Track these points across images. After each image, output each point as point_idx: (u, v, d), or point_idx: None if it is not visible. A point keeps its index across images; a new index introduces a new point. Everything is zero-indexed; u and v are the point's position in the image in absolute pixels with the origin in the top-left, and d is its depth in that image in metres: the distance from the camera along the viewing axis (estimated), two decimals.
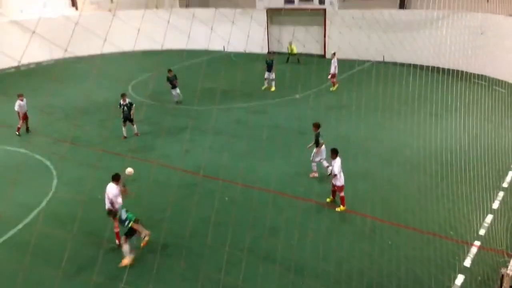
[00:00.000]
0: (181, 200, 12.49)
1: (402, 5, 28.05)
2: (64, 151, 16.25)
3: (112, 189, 10.42)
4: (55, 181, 13.88)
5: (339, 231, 10.90)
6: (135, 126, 17.23)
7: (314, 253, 9.99)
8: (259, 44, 29.99)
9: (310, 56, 29.57)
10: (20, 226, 11.57)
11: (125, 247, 9.86)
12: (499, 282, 8.26)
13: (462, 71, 23.78)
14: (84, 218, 11.16)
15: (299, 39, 29.15)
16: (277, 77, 23.04)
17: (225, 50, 32.52)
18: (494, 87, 21.63)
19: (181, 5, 35.25)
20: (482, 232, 10.56)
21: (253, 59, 24.22)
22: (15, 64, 28.56)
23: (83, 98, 22.25)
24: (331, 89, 22.53)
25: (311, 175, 13.64)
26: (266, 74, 22.68)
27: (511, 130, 16.66)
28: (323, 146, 13.36)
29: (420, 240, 10.40)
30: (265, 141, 16.15)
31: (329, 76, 22.51)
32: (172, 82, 20.51)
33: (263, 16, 31.45)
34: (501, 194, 12.28)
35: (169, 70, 20.62)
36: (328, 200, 12.21)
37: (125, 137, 17.06)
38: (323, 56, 29.95)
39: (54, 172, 14.45)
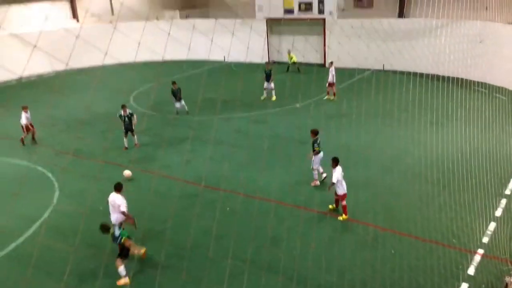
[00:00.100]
0: (182, 210, 12.46)
1: (401, 14, 28.22)
2: (66, 163, 16.26)
3: (117, 199, 10.43)
4: (57, 193, 13.87)
5: (341, 240, 10.85)
6: (135, 137, 17.26)
7: (316, 263, 9.95)
8: (259, 54, 30.13)
9: (310, 65, 29.69)
10: (22, 238, 11.56)
11: (121, 269, 9.71)
12: None
13: (462, 79, 23.85)
14: (85, 230, 11.11)
15: (299, 49, 29.30)
16: (277, 86, 23.11)
17: (226, 60, 32.67)
18: (494, 94, 21.67)
19: (181, 17, 35.49)
20: (485, 240, 10.51)
21: (253, 69, 24.34)
22: (16, 76, 28.77)
23: (84, 109, 22.31)
24: (324, 98, 22.54)
25: (312, 184, 13.63)
26: (265, 84, 22.77)
27: None
28: (320, 154, 13.36)
29: (423, 248, 10.34)
30: (265, 150, 16.16)
31: (327, 85, 22.55)
32: (176, 95, 20.52)
33: (263, 26, 31.65)
34: (503, 201, 12.24)
35: (173, 83, 20.67)
36: (330, 207, 12.17)
37: (126, 148, 17.08)
38: (323, 65, 30.06)
39: (56, 184, 14.46)
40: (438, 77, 24.14)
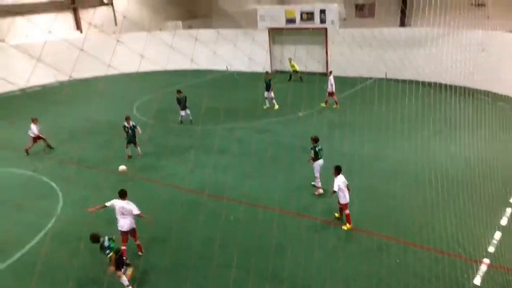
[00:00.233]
0: (185, 219, 12.46)
1: (402, 23, 28.35)
2: (69, 172, 16.31)
3: (127, 204, 10.49)
4: (61, 203, 13.89)
5: (345, 249, 10.81)
6: (138, 148, 17.27)
7: (320, 272, 9.90)
8: (261, 64, 30.30)
9: (312, 74, 29.77)
10: (26, 247, 11.56)
11: (122, 279, 9.64)
12: None
13: (464, 87, 23.87)
14: (89, 239, 11.11)
15: (301, 58, 29.41)
16: (279, 95, 23.18)
17: (228, 70, 32.82)
18: (498, 102, 21.65)
19: (184, 27, 35.73)
20: (491, 249, 10.43)
21: (256, 79, 24.45)
22: (20, 87, 28.95)
23: (88, 119, 22.42)
24: (321, 105, 22.55)
25: (316, 193, 13.59)
26: (266, 94, 22.84)
27: None
28: (320, 161, 13.35)
29: (428, 258, 10.28)
30: (268, 159, 16.17)
31: (327, 94, 22.60)
32: (181, 103, 20.58)
33: (265, 36, 31.83)
34: (509, 210, 12.17)
35: (179, 91, 20.76)
36: (336, 215, 12.12)
37: (129, 157, 17.09)
38: (325, 74, 30.10)
39: (60, 194, 14.47)
40: (440, 85, 24.16)
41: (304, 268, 10.08)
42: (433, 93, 23.33)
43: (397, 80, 26.51)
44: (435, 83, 24.66)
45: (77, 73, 30.96)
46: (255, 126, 20.36)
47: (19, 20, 30.10)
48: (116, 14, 35.58)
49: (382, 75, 27.48)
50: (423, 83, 25.05)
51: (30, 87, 29.73)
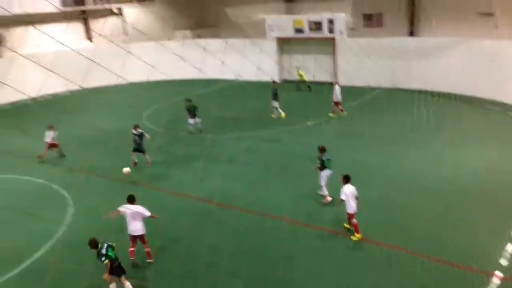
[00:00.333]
0: (194, 228, 12.50)
1: (411, 33, 28.37)
2: (80, 180, 16.42)
3: (138, 208, 10.69)
4: (71, 210, 14.00)
5: (354, 260, 10.75)
6: (147, 156, 17.33)
7: (329, 282, 9.87)
8: (270, 73, 30.41)
9: (320, 84, 29.82)
10: (36, 255, 11.65)
11: (111, 286, 9.60)
12: None
13: (473, 97, 23.81)
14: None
15: (309, 68, 29.51)
16: (288, 105, 23.28)
17: (237, 79, 32.97)
18: (508, 112, 21.52)
19: (192, 37, 36.03)
20: (503, 262, 10.29)
21: (264, 88, 24.55)
22: (32, 96, 29.27)
23: (98, 128, 22.57)
24: (329, 114, 22.58)
25: (324, 201, 13.57)
26: (273, 103, 22.92)
27: None
28: (325, 171, 13.34)
29: (438, 270, 10.17)
30: (277, 168, 16.20)
31: (333, 104, 22.63)
32: (190, 111, 20.68)
33: (274, 46, 31.98)
34: None
35: (188, 100, 20.88)
36: (345, 225, 12.04)
37: (135, 163, 17.08)
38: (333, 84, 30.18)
39: (71, 202, 14.60)
40: (449, 95, 24.12)
41: (312, 279, 10.05)
42: (442, 103, 23.29)
43: (405, 90, 26.48)
44: (444, 93, 24.59)
45: (87, 83, 31.15)
46: (264, 135, 20.42)
47: (30, 30, 30.55)
48: (126, 24, 35.99)
49: (390, 85, 27.47)
50: (432, 92, 24.99)
51: (41, 96, 30.01)
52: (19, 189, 15.99)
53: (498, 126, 19.40)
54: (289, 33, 30.69)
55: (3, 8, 23.72)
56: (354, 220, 11.61)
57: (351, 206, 11.53)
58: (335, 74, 29.83)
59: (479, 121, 20.22)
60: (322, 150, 13.40)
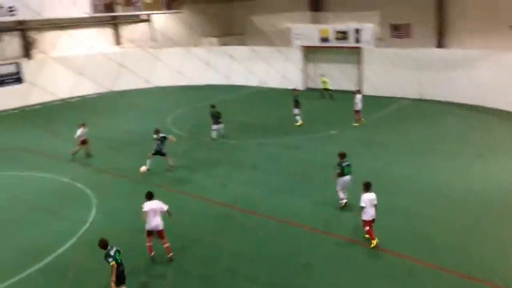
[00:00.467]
0: (215, 232, 12.52)
1: (439, 44, 27.95)
2: (105, 181, 16.71)
3: (157, 204, 10.97)
4: (94, 210, 14.21)
5: (374, 271, 10.54)
6: (169, 160, 17.30)
7: None
8: (294, 81, 30.45)
9: (345, 93, 29.65)
10: (57, 252, 11.83)
11: None
12: None
13: (502, 110, 23.24)
14: (120, 247, 11.30)
15: (334, 76, 29.41)
16: (311, 113, 23.24)
17: (262, 86, 33.11)
18: None
19: (219, 44, 36.39)
20: None
21: (289, 95, 24.57)
22: (61, 97, 30.11)
23: (124, 130, 23.03)
24: (354, 124, 22.38)
25: (339, 206, 13.46)
26: (295, 111, 22.84)
27: None
28: (345, 177, 13.22)
29: (463, 285, 9.91)
30: (299, 176, 16.11)
31: (354, 112, 22.45)
32: (215, 117, 20.83)
33: (299, 54, 32.02)
34: None
35: (212, 106, 21.05)
36: (365, 236, 11.82)
37: (147, 169, 16.88)
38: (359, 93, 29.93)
39: (94, 201, 14.82)
40: (477, 107, 23.61)
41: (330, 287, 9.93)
42: (470, 115, 22.82)
43: (432, 101, 26.06)
44: (471, 105, 24.10)
45: (115, 86, 31.94)
46: (287, 142, 20.36)
47: (62, 34, 31.45)
48: (154, 30, 36.63)
49: (417, 96, 27.09)
50: (459, 104, 24.53)
51: (70, 98, 30.82)
52: (45, 187, 16.32)
53: None
54: (315, 41, 30.67)
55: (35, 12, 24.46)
56: (367, 227, 11.45)
57: (369, 214, 11.37)
58: (360, 83, 29.61)
59: (508, 135, 19.70)
60: (342, 156, 13.31)
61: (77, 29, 32.41)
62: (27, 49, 30.67)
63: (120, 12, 31.60)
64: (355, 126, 22.20)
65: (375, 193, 11.48)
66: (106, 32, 34.93)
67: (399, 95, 27.28)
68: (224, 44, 36.29)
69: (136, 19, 36.16)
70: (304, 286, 10.02)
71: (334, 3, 31.74)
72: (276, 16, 35.06)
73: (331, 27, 29.94)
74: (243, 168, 17.26)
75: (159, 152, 17.10)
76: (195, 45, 35.75)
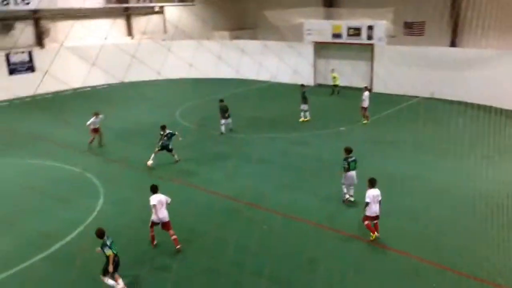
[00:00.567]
0: (221, 225, 12.57)
1: (453, 43, 27.61)
2: (113, 171, 16.83)
3: (162, 197, 11.14)
4: (101, 200, 14.33)
5: (379, 269, 10.51)
6: (175, 155, 17.31)
7: None
8: (305, 76, 30.28)
9: (357, 90, 29.46)
10: (64, 241, 11.97)
11: (108, 281, 9.70)
12: None
13: None
14: (126, 237, 11.42)
15: (345, 73, 29.24)
16: (321, 109, 23.16)
17: (272, 80, 33.03)
18: None
19: (231, 38, 36.35)
20: None
21: (298, 91, 24.48)
22: (73, 87, 30.32)
23: (134, 121, 23.15)
24: (363, 122, 22.23)
25: (344, 201, 13.55)
26: (303, 106, 22.74)
27: None
28: (349, 173, 13.25)
29: (468, 285, 9.85)
30: (306, 172, 16.08)
31: (361, 109, 22.30)
32: (223, 111, 20.82)
33: (310, 50, 31.87)
34: None
35: (221, 100, 21.04)
36: (372, 236, 11.75)
37: (151, 165, 16.91)
38: (370, 90, 29.73)
39: (102, 191, 14.95)
40: (489, 108, 23.30)
41: (335, 285, 9.91)
42: (482, 116, 22.52)
43: (444, 100, 25.77)
44: (484, 105, 23.79)
45: (126, 77, 31.98)
46: (295, 138, 20.32)
47: (74, 24, 31.60)
48: (166, 22, 36.69)
49: (428, 94, 26.81)
50: (472, 105, 24.21)
51: (81, 88, 31.01)
52: (54, 175, 16.49)
53: None
54: (327, 37, 30.48)
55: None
56: (366, 222, 11.51)
57: (372, 210, 11.38)
58: (371, 80, 29.41)
59: None
60: (348, 151, 13.31)
61: (90, 19, 32.58)
62: (40, 38, 30.94)
63: (133, 3, 31.75)
64: (364, 124, 22.07)
65: (381, 191, 11.44)
66: (119, 23, 35.08)
67: (410, 93, 27.03)
68: (236, 38, 36.24)
69: (149, 11, 36.26)
70: (309, 281, 10.03)
71: None
72: (288, 11, 34.92)
73: (344, 23, 29.72)
74: (250, 162, 17.25)
75: (165, 148, 17.14)
76: (207, 39, 35.74)
